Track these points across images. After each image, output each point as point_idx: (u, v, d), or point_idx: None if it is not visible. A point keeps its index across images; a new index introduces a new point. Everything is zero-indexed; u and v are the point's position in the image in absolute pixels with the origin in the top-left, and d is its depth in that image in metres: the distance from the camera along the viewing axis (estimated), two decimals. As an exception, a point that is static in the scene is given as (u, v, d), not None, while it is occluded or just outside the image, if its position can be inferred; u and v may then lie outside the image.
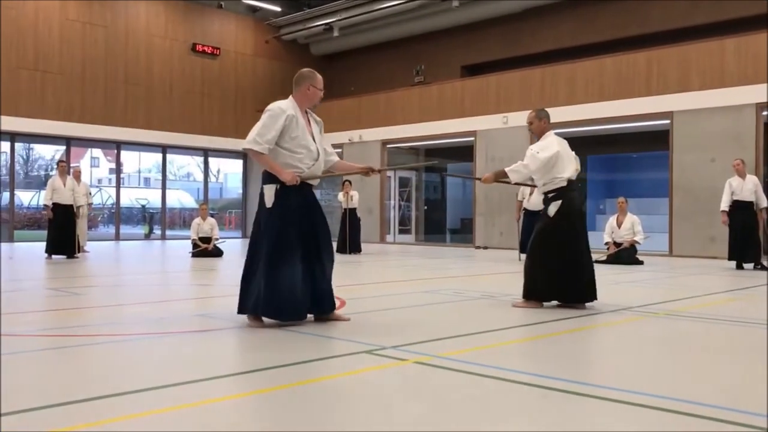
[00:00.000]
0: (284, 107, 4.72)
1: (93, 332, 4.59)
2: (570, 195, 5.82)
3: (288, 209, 4.68)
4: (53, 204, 11.85)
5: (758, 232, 10.44)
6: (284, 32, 22.99)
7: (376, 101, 20.00)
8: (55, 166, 12.83)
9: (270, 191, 4.70)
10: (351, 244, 13.91)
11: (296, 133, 4.71)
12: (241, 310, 4.75)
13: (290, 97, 4.88)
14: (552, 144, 5.81)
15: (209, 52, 21.43)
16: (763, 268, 10.28)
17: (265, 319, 4.69)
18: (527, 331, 4.79)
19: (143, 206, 25.59)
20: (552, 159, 5.74)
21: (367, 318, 4.84)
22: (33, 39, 17.95)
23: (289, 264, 4.60)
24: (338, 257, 13.13)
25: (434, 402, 2.88)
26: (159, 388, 3.03)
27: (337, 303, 5.92)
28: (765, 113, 13.08)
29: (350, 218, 14.03)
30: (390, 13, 20.55)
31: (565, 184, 5.80)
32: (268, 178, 4.73)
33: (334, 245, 14.42)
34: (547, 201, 5.90)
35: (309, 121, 4.89)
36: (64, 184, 11.99)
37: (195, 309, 5.91)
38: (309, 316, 4.81)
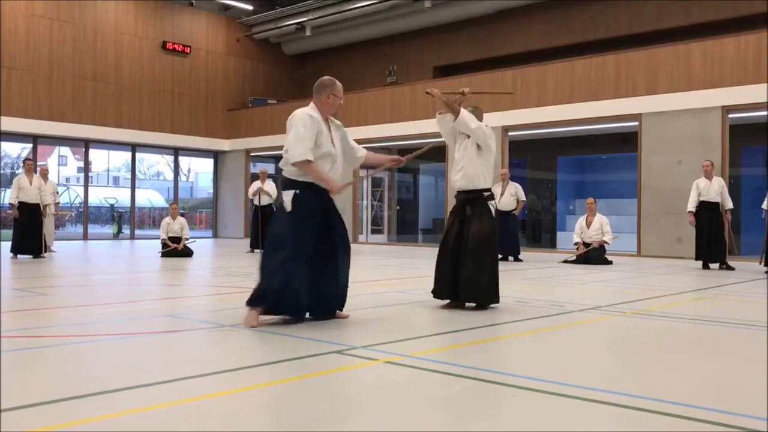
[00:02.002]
0: (312, 114, 4.77)
1: (61, 333, 4.52)
2: None
3: (305, 213, 4.73)
4: (19, 203, 11.66)
5: (724, 232, 10.63)
6: (256, 31, 22.85)
7: (348, 101, 19.80)
8: (22, 164, 12.61)
9: (288, 196, 4.75)
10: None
11: (321, 140, 4.77)
12: (248, 302, 4.73)
13: (311, 104, 4.90)
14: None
15: (180, 50, 21.22)
16: (729, 268, 10.48)
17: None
18: (496, 331, 4.82)
19: (112, 205, 25.29)
20: (494, 148, 5.82)
21: (338, 318, 4.84)
22: (-2, 35, 17.60)
23: (300, 266, 4.64)
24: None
25: (404, 402, 2.89)
26: (129, 388, 3.00)
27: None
28: (731, 116, 13.32)
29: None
30: (362, 13, 20.54)
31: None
32: (289, 184, 4.78)
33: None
34: (484, 199, 5.78)
35: (330, 127, 4.93)
36: (31, 183, 11.80)
37: (164, 310, 5.85)
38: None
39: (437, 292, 5.79)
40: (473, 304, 5.67)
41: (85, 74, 19.19)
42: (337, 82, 4.98)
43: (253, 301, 4.66)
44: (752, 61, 12.95)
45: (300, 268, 4.66)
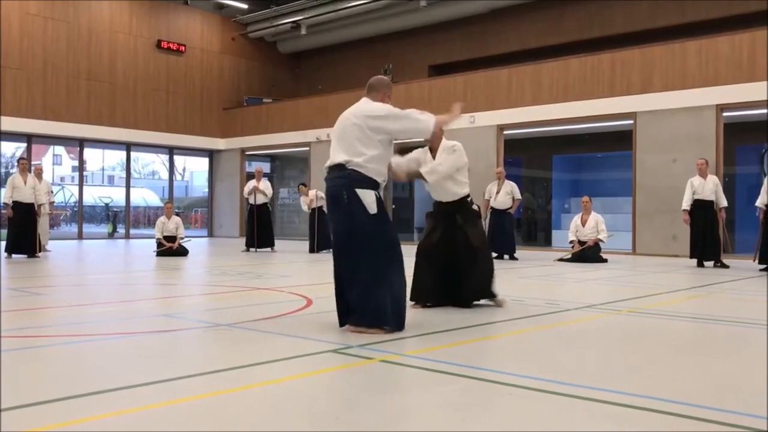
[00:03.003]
0: None
1: (57, 333, 4.51)
2: None
3: (387, 215, 4.57)
4: (14, 202, 11.62)
5: (718, 230, 10.65)
6: (251, 30, 22.81)
7: (344, 100, 19.72)
8: (16, 164, 12.57)
9: (371, 197, 4.39)
10: (319, 243, 13.90)
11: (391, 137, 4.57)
12: (344, 323, 4.51)
13: (365, 99, 4.64)
14: (459, 145, 5.91)
15: (174, 49, 21.16)
16: (723, 265, 10.50)
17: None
18: (491, 330, 4.82)
19: (107, 204, 25.20)
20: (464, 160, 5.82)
21: (334, 317, 4.84)
22: (-8, 34, 17.53)
23: (401, 272, 4.56)
24: (308, 256, 13.12)
25: (400, 401, 2.89)
26: (126, 388, 2.99)
27: (304, 302, 5.92)
28: (725, 114, 13.35)
29: (319, 217, 14.00)
30: (357, 11, 20.52)
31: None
32: (364, 181, 4.41)
33: (306, 246, 14.47)
34: (468, 204, 5.81)
35: None
36: (25, 182, 11.76)
37: (160, 309, 5.84)
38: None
39: (419, 297, 5.64)
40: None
41: (79, 73, 19.13)
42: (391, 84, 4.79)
43: (375, 323, 4.36)
44: (746, 59, 12.98)
45: (403, 276, 4.58)
